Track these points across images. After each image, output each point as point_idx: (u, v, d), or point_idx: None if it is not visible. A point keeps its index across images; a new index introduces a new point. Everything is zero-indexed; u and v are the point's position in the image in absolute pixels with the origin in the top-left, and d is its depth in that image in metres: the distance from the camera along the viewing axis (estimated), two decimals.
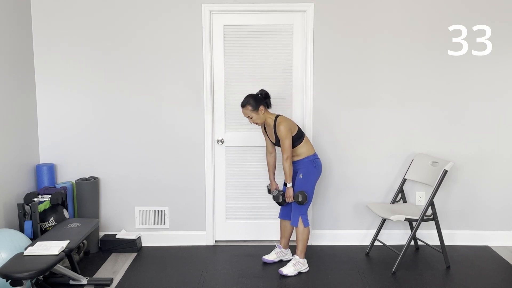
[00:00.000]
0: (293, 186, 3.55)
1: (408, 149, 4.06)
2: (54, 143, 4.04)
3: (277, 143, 3.55)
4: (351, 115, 4.02)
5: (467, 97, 3.99)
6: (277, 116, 3.50)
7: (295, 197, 3.48)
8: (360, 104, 4.01)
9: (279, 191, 3.66)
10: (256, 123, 3.52)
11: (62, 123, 4.02)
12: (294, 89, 4.03)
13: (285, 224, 3.74)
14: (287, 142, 3.42)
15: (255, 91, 4.01)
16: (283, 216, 3.72)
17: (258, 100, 3.47)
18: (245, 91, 4.02)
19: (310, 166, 3.52)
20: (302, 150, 3.52)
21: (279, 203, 3.65)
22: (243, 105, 3.48)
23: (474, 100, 3.99)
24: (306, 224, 3.54)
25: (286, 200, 3.57)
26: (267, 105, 3.55)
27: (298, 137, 3.50)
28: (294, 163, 3.57)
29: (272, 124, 3.51)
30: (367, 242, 4.15)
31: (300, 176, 3.52)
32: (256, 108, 3.46)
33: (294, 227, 3.60)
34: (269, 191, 3.78)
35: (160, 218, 4.16)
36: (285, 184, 3.58)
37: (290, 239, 3.85)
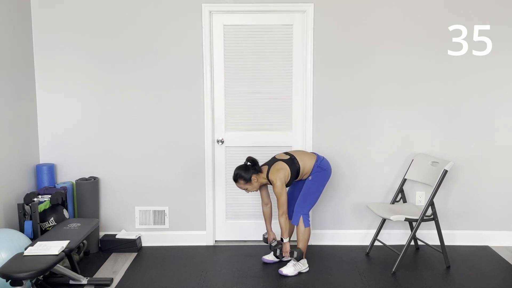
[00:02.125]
0: (301, 188, 3.57)
1: (408, 149, 4.06)
2: (54, 143, 4.04)
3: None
4: (351, 115, 4.02)
5: (467, 97, 3.99)
6: (268, 173, 3.49)
7: (291, 254, 3.53)
8: (360, 104, 4.01)
9: (278, 242, 3.69)
10: (253, 190, 3.54)
11: (62, 123, 4.02)
12: (294, 89, 4.03)
13: None
14: (283, 198, 3.44)
15: (255, 91, 4.02)
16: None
17: (248, 171, 3.47)
18: (245, 91, 4.02)
19: (319, 170, 3.54)
20: (307, 167, 3.53)
21: (276, 257, 3.68)
22: (235, 180, 3.51)
23: (474, 100, 3.99)
24: (307, 224, 3.54)
25: (283, 255, 3.60)
26: (257, 171, 3.51)
27: (295, 170, 3.49)
28: (306, 178, 3.58)
29: (266, 181, 3.53)
30: (367, 242, 4.15)
31: (310, 178, 3.54)
32: (248, 180, 3.47)
33: (295, 227, 3.61)
34: (266, 241, 3.77)
35: (160, 218, 4.16)
36: (281, 239, 3.59)
37: (290, 239, 3.85)
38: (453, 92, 3.99)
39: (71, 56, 3.95)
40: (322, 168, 3.54)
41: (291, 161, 3.51)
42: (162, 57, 3.95)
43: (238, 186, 3.54)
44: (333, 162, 4.07)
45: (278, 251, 3.63)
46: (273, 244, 3.68)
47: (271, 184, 3.51)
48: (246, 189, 3.52)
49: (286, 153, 3.59)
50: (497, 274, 3.56)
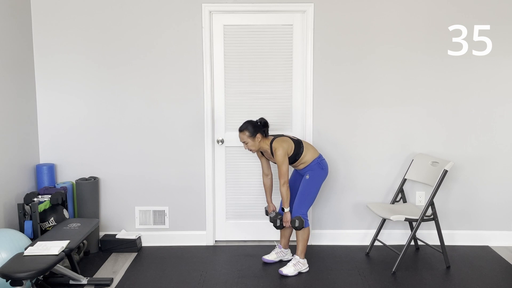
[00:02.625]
0: (297, 189, 3.57)
1: (408, 149, 4.06)
2: (54, 143, 4.04)
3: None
4: (351, 115, 4.02)
5: (467, 97, 3.99)
6: (272, 141, 3.50)
7: (292, 223, 3.51)
8: (360, 104, 4.01)
9: (276, 213, 3.68)
10: (250, 150, 3.53)
11: (62, 123, 4.02)
12: (294, 89, 4.03)
13: None
14: (284, 167, 3.44)
15: (255, 91, 4.02)
16: None
17: (257, 128, 3.48)
18: (245, 91, 4.02)
19: (317, 168, 3.54)
20: (307, 158, 3.54)
21: (276, 227, 3.66)
22: (241, 129, 3.50)
23: (474, 100, 3.99)
24: (306, 224, 3.54)
25: (284, 225, 3.59)
26: (265, 134, 3.54)
27: (297, 152, 3.51)
28: (301, 170, 3.59)
29: (268, 149, 3.53)
30: (367, 242, 4.15)
31: (307, 177, 3.53)
32: (253, 135, 3.47)
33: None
34: (267, 213, 3.77)
35: (160, 218, 4.16)
36: (282, 209, 3.59)
37: (290, 239, 3.85)
38: (453, 92, 3.99)
39: (71, 56, 3.95)
40: (321, 167, 3.55)
41: (298, 143, 3.53)
42: (162, 57, 3.96)
43: (241, 137, 3.51)
44: (333, 162, 4.07)
45: (278, 221, 3.61)
46: (271, 216, 3.67)
47: (271, 155, 3.51)
48: (246, 144, 3.50)
49: (295, 137, 3.62)
50: (497, 274, 3.56)
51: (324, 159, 3.60)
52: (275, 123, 4.07)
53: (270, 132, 4.05)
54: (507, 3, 3.87)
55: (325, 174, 3.58)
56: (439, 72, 3.96)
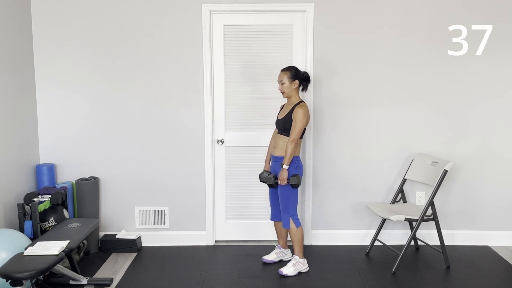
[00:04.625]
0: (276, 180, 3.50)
1: (408, 149, 4.06)
2: (54, 143, 4.04)
3: (281, 125, 3.50)
4: (351, 115, 4.02)
5: (467, 97, 3.99)
6: (301, 101, 3.49)
7: (290, 180, 3.40)
8: (360, 104, 4.01)
9: (269, 172, 3.61)
10: (283, 92, 3.48)
11: (62, 123, 4.02)
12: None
13: (279, 225, 3.74)
14: (299, 125, 3.40)
15: (255, 91, 4.02)
16: (275, 217, 3.72)
17: (298, 75, 3.48)
18: (245, 91, 4.02)
19: (292, 167, 3.46)
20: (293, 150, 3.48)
21: (270, 185, 3.54)
22: (284, 69, 3.49)
23: (474, 100, 3.99)
24: (298, 224, 3.52)
25: (279, 183, 3.45)
26: (303, 86, 3.56)
27: (301, 135, 3.49)
28: (277, 157, 3.53)
29: (293, 103, 3.48)
30: (367, 242, 4.15)
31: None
32: (293, 78, 3.46)
33: (288, 231, 3.59)
34: (260, 178, 3.65)
35: (160, 218, 4.16)
36: (280, 165, 3.44)
37: (288, 239, 3.85)
38: (453, 92, 3.99)
39: (71, 56, 3.95)
40: (295, 167, 3.46)
41: (305, 131, 3.52)
42: (162, 57, 3.96)
43: (280, 76, 3.48)
44: (333, 161, 4.07)
45: (272, 179, 3.49)
46: (265, 175, 3.56)
47: (290, 115, 3.42)
48: (282, 84, 3.47)
49: None
50: (497, 274, 3.56)
51: (300, 161, 3.52)
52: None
53: (269, 131, 4.05)
54: (507, 3, 3.87)
55: (300, 175, 3.49)
56: (439, 72, 3.96)
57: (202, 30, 3.92)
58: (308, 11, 3.89)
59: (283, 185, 3.44)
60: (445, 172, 3.57)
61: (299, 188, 4.09)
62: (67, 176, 4.09)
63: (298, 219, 3.54)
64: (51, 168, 3.94)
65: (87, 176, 4.10)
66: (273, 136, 3.70)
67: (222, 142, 4.10)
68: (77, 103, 4.01)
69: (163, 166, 4.09)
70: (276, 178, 3.52)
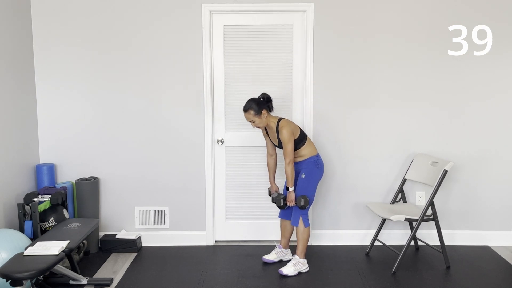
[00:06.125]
0: (295, 187, 3.55)
1: (408, 149, 4.06)
2: (54, 143, 4.04)
3: (280, 145, 3.55)
4: (351, 115, 4.02)
5: (467, 97, 3.99)
6: (279, 120, 3.49)
7: (297, 201, 3.47)
8: (360, 104, 4.01)
9: (279, 193, 3.66)
10: (259, 127, 3.52)
11: (62, 123, 4.02)
12: (294, 89, 4.03)
13: (285, 224, 3.74)
14: (289, 146, 3.42)
15: (255, 91, 4.02)
16: (283, 216, 3.72)
17: (260, 104, 3.47)
18: (245, 91, 4.02)
19: (313, 166, 3.52)
20: (305, 152, 3.53)
21: (279, 207, 3.63)
22: (245, 109, 3.47)
23: (474, 100, 3.99)
24: (306, 224, 3.53)
25: (288, 204, 3.56)
26: (269, 108, 3.54)
27: (301, 139, 3.50)
28: (296, 164, 3.57)
29: (274, 127, 3.50)
30: (367, 242, 4.15)
31: (303, 176, 3.52)
32: (258, 113, 3.45)
33: (295, 227, 3.60)
34: (269, 193, 3.77)
35: (160, 218, 4.16)
36: (286, 188, 3.56)
37: (290, 239, 3.85)
38: (453, 92, 3.99)
39: (71, 56, 3.95)
40: (317, 165, 3.53)
41: (303, 134, 3.53)
42: (162, 57, 3.95)
43: (247, 117, 3.48)
44: (333, 161, 4.07)
45: (281, 201, 3.57)
46: (274, 196, 3.64)
47: (277, 135, 3.47)
48: (253, 122, 3.48)
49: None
50: (497, 274, 3.56)
51: (321, 159, 3.60)
52: None
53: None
54: (507, 3, 3.87)
55: (321, 174, 3.57)
56: (439, 72, 3.96)
57: (202, 30, 3.92)
58: (308, 11, 3.89)
59: (292, 205, 3.53)
60: (445, 172, 3.57)
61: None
62: (67, 176, 4.09)
63: (308, 220, 3.55)
64: (51, 168, 3.94)
65: (87, 176, 4.10)
66: (268, 155, 3.71)
67: (222, 142, 4.10)
68: (77, 103, 4.01)
69: (163, 166, 4.09)
70: (285, 199, 3.57)
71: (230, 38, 3.98)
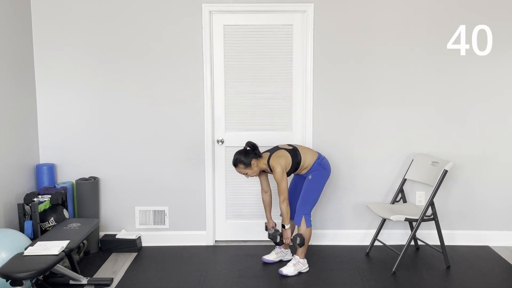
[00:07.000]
0: (299, 192, 3.57)
1: (408, 149, 4.06)
2: (54, 143, 4.04)
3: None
4: (351, 115, 4.02)
5: (467, 97, 3.99)
6: (269, 158, 3.47)
7: (293, 240, 3.50)
8: (360, 104, 4.01)
9: (276, 230, 3.69)
10: (253, 176, 3.54)
11: (62, 123, 4.02)
12: (294, 89, 4.03)
13: None
14: (283, 184, 3.42)
15: (255, 91, 4.02)
16: None
17: (248, 156, 3.45)
18: (245, 91, 4.02)
19: (320, 168, 3.54)
20: (308, 163, 3.53)
21: (276, 243, 3.66)
22: (235, 164, 3.48)
23: (474, 100, 3.99)
24: (309, 224, 3.53)
25: (284, 242, 3.58)
26: (257, 155, 3.49)
27: (296, 161, 3.49)
28: (304, 174, 3.58)
29: (267, 168, 3.50)
30: (367, 242, 4.15)
31: (310, 177, 3.53)
32: (248, 165, 3.45)
33: (296, 227, 3.60)
34: (266, 228, 3.77)
35: (160, 218, 4.16)
36: (283, 226, 3.55)
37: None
38: (453, 92, 3.99)
39: (71, 57, 3.95)
40: (323, 167, 3.55)
41: (294, 152, 3.51)
42: (162, 57, 3.95)
43: (238, 171, 3.50)
44: (333, 162, 4.07)
45: (278, 238, 3.60)
46: (270, 232, 3.67)
47: (271, 172, 3.49)
48: (245, 174, 3.49)
49: (290, 145, 3.59)
50: (497, 274, 3.56)
51: (324, 158, 3.60)
52: (275, 123, 4.07)
53: (269, 131, 4.06)
54: (507, 3, 3.87)
55: (328, 173, 3.58)
56: (439, 72, 3.96)
57: (202, 30, 3.92)
58: (308, 11, 3.89)
59: (288, 243, 3.58)
60: (445, 172, 3.57)
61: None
62: (67, 176, 4.09)
63: (310, 220, 3.56)
64: (51, 168, 3.94)
65: (87, 176, 4.09)
66: (263, 192, 3.71)
67: (222, 142, 4.10)
68: (77, 103, 4.01)
69: (163, 166, 4.09)
70: (282, 235, 3.59)
71: (230, 38, 3.98)
